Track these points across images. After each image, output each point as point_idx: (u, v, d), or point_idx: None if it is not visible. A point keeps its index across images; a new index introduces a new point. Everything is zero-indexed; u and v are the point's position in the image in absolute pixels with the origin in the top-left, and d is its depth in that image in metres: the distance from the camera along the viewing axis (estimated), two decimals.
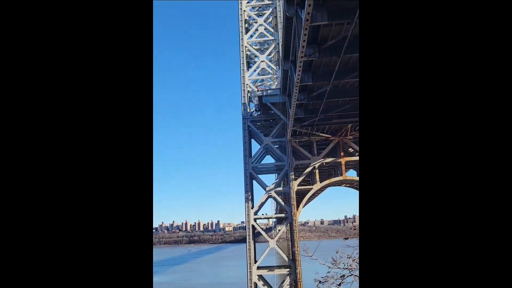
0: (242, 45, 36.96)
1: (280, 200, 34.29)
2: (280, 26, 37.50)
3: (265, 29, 37.88)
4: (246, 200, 34.32)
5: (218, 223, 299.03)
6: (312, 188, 33.65)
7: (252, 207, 34.19)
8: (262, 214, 37.16)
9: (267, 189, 34.45)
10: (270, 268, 34.66)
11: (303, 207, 35.11)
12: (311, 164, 33.95)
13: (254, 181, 34.99)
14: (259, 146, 36.54)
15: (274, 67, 37.17)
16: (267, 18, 38.04)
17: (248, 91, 36.60)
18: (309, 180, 36.52)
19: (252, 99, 37.27)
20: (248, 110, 36.01)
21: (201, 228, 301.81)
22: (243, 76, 36.29)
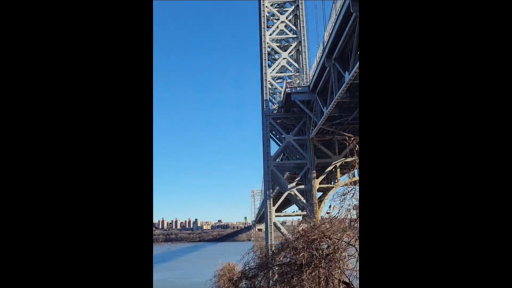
0: (264, 41, 36.68)
1: (301, 198, 34.27)
2: (302, 24, 37.56)
3: (286, 26, 37.72)
4: (268, 197, 34.14)
5: (196, 222, 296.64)
6: (333, 187, 33.86)
7: (274, 205, 34.09)
8: (283, 212, 37.05)
9: (289, 186, 34.39)
10: None
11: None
12: (333, 163, 34.14)
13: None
14: (274, 144, 36.34)
15: (296, 65, 37.05)
16: (287, 16, 37.89)
17: (269, 87, 36.39)
18: (325, 178, 36.67)
19: (270, 97, 37.00)
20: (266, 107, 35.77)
21: (178, 227, 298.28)
22: (265, 73, 36.02)
